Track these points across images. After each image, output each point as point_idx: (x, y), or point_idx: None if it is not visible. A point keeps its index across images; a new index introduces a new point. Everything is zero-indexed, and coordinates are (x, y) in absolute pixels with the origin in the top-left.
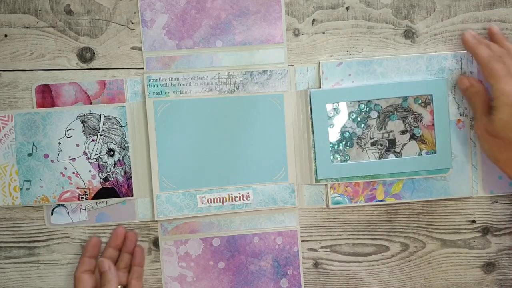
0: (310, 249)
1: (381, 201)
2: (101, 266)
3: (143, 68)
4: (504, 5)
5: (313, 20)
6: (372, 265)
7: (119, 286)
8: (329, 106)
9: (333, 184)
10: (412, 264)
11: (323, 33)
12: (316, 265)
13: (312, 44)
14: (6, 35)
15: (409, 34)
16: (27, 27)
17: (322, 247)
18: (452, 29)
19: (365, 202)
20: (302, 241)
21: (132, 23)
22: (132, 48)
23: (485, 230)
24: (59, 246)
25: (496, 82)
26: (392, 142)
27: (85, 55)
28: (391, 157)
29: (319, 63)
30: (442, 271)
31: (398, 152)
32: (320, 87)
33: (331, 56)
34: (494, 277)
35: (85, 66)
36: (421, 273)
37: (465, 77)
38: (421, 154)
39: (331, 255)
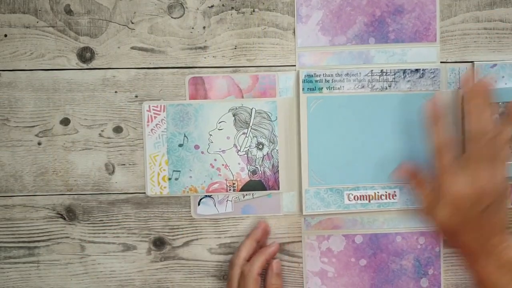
0: None
1: None
2: (277, 267)
3: (146, 68)
4: (505, 5)
5: None
6: None
7: None
8: None
9: None
10: None
11: None
12: None
13: None
14: (6, 35)
15: None
16: (27, 27)
17: None
18: (452, 29)
19: None
20: None
21: (132, 22)
22: (132, 48)
23: None
24: (59, 246)
25: None
26: None
27: (85, 55)
28: None
29: (473, 63)
30: (442, 271)
31: None
32: None
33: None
34: None
35: (85, 66)
36: None
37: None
38: None
39: None
